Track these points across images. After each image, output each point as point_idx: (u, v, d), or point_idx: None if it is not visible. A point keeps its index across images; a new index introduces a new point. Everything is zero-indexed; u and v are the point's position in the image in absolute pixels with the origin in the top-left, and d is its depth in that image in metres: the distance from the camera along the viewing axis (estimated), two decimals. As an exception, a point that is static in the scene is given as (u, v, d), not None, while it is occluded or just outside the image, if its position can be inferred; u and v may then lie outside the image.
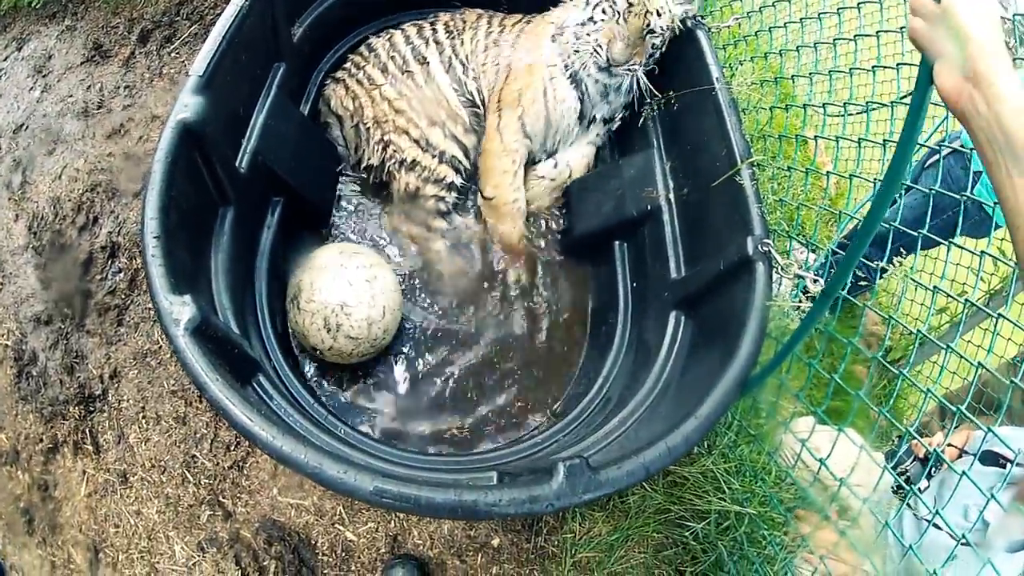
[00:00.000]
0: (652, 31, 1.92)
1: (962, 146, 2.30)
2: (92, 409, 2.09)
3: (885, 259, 1.79)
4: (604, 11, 1.93)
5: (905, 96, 1.77)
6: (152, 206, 1.41)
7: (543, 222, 2.24)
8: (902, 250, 1.91)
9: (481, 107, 2.15)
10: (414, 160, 2.09)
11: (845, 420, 1.91)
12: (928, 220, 1.72)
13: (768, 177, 2.07)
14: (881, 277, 1.88)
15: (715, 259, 1.71)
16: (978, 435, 2.11)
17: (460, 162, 2.14)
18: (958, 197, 1.59)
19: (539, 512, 1.25)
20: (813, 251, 2.62)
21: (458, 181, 2.15)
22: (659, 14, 1.91)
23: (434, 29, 2.18)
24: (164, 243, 1.38)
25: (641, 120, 2.10)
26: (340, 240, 2.14)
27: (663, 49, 1.98)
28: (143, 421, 2.06)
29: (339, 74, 2.21)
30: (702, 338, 1.76)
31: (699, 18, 1.99)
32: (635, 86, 2.07)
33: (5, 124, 2.60)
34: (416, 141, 2.08)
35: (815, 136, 1.89)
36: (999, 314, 1.56)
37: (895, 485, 1.94)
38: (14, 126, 2.58)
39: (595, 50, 1.96)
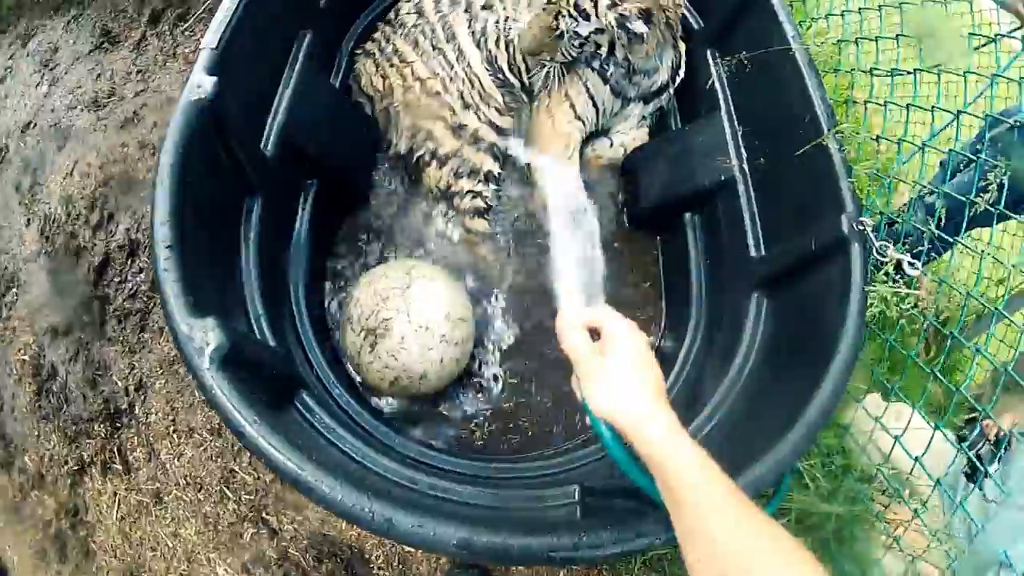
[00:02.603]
0: (560, 34, 1.60)
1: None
2: (119, 425, 1.80)
3: (964, 232, 1.60)
4: None
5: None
6: (162, 209, 1.09)
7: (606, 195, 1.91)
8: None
9: (517, 82, 1.80)
10: (447, 153, 1.74)
11: (913, 398, 1.64)
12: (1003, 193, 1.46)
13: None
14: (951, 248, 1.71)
15: (802, 238, 1.41)
16: None
17: (498, 149, 1.79)
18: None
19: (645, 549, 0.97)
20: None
21: (496, 170, 1.79)
22: (578, 17, 1.57)
23: None
24: (179, 253, 1.06)
25: (708, 84, 1.75)
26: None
27: (609, 49, 1.64)
28: (174, 435, 1.76)
29: (369, 46, 1.86)
30: (791, 325, 1.45)
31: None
32: (670, 65, 1.77)
33: (12, 124, 2.27)
34: (451, 128, 1.74)
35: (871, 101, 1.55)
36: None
37: (967, 468, 1.73)
38: (21, 125, 2.26)
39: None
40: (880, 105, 1.65)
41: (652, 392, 0.79)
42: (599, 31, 1.59)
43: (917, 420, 1.66)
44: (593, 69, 1.74)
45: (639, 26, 1.56)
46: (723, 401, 1.41)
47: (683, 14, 1.80)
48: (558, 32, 1.60)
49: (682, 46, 1.81)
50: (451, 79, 1.75)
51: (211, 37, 1.28)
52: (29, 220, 2.04)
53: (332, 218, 1.73)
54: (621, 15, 1.55)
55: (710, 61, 1.78)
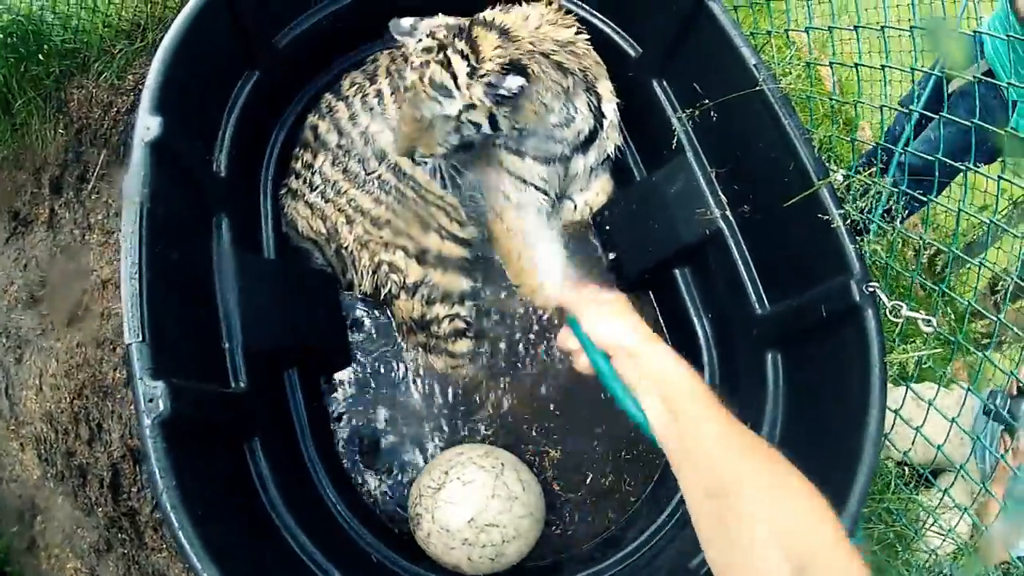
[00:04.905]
0: (430, 123, 1.35)
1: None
2: (193, 623, 1.78)
3: (935, 192, 1.57)
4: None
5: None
6: (185, 534, 0.99)
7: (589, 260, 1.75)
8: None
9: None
10: (415, 282, 1.57)
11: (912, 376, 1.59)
12: (972, 153, 1.36)
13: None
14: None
15: (808, 296, 1.31)
16: None
17: (468, 262, 1.62)
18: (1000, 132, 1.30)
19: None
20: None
21: (468, 286, 1.63)
22: (439, 97, 1.31)
23: (379, 92, 1.57)
24: (206, 547, 0.99)
25: (674, 139, 1.54)
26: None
27: (492, 123, 1.37)
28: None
29: (294, 184, 1.62)
30: (811, 387, 1.37)
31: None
32: (588, 107, 1.52)
33: (-43, 336, 2.09)
34: (414, 255, 1.56)
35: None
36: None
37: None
38: (-34, 335, 2.07)
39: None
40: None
41: (644, 325, 0.84)
42: (470, 107, 1.33)
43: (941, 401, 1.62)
44: (505, 148, 1.54)
45: (513, 81, 1.30)
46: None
47: (587, 49, 1.49)
48: (426, 122, 1.37)
49: (604, 84, 1.56)
50: (399, 200, 1.56)
51: (133, 330, 1.08)
52: (22, 445, 1.91)
53: (326, 396, 1.60)
54: (488, 84, 1.30)
55: (659, 93, 1.57)
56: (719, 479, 0.68)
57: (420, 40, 1.36)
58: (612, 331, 0.83)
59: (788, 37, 1.70)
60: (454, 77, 1.29)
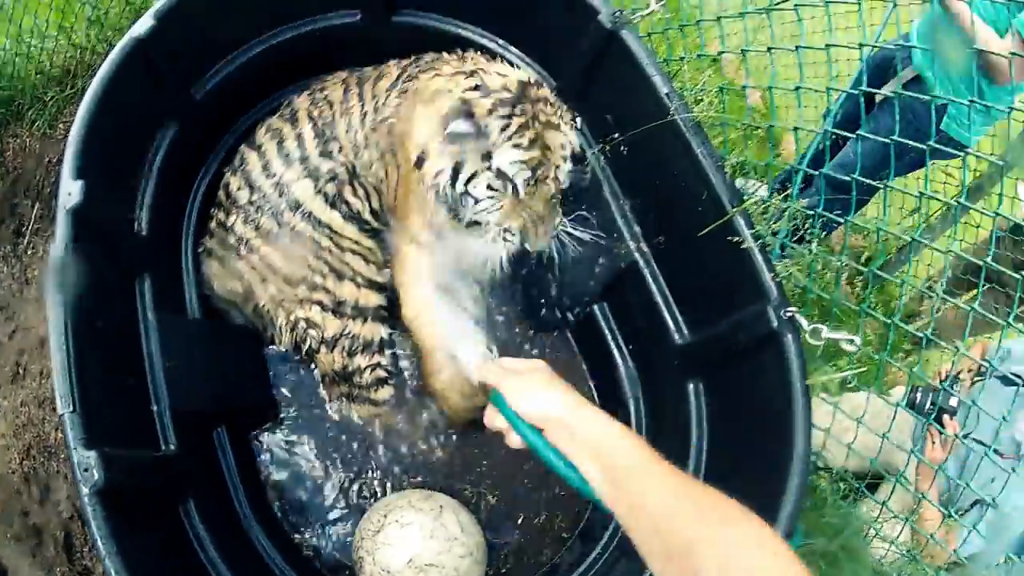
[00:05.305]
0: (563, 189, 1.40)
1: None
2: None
3: (852, 212, 1.64)
4: (491, 186, 1.33)
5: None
6: None
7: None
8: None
9: (381, 224, 1.60)
10: (334, 335, 1.57)
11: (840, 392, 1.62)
12: (893, 165, 1.47)
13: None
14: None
15: (728, 327, 1.33)
16: (993, 346, 2.11)
17: (386, 309, 1.63)
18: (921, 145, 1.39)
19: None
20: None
21: (387, 333, 1.64)
22: (572, 163, 1.39)
23: (299, 137, 1.53)
24: None
25: (588, 174, 1.55)
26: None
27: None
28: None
29: (209, 243, 1.61)
30: (735, 414, 1.39)
31: (618, 13, 1.40)
32: None
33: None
34: (331, 309, 1.56)
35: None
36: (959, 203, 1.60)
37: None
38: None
39: (504, 237, 1.40)
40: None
41: (572, 392, 0.84)
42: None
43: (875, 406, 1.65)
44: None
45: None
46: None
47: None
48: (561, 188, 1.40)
49: None
50: (315, 255, 1.55)
51: (64, 398, 1.09)
52: (-21, 504, 1.93)
53: (256, 452, 1.61)
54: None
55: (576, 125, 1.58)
56: (668, 536, 0.70)
57: (513, 165, 1.30)
58: (539, 404, 0.82)
59: (702, 61, 1.71)
60: (572, 144, 1.37)
